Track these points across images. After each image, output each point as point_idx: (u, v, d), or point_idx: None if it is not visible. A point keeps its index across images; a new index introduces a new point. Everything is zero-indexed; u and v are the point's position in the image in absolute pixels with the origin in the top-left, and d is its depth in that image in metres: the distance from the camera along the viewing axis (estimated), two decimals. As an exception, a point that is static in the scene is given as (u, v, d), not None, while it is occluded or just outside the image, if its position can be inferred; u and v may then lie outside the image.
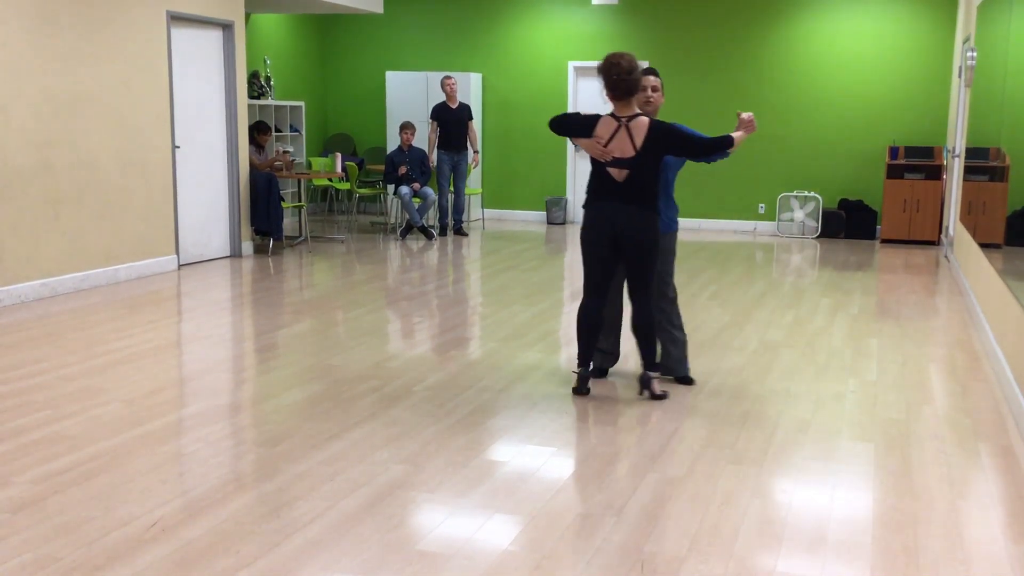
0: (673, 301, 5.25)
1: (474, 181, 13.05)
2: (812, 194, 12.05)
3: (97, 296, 7.57)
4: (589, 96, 13.00)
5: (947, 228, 10.72)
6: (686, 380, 5.29)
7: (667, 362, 5.30)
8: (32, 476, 3.87)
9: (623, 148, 4.74)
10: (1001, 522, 3.54)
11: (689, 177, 12.65)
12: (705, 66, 12.40)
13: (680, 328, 5.28)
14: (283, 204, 10.15)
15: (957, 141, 9.95)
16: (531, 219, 13.33)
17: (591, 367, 5.26)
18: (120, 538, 3.31)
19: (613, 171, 4.78)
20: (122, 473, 3.91)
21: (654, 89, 5.02)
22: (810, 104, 12.10)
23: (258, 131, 10.31)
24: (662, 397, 5.01)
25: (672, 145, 4.73)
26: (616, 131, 4.75)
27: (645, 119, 4.76)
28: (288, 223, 12.30)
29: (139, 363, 5.61)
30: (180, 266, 9.01)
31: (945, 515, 3.59)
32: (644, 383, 5.02)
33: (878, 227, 11.88)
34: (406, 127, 11.23)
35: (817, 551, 3.28)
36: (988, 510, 3.65)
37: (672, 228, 5.22)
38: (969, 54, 8.56)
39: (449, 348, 6.06)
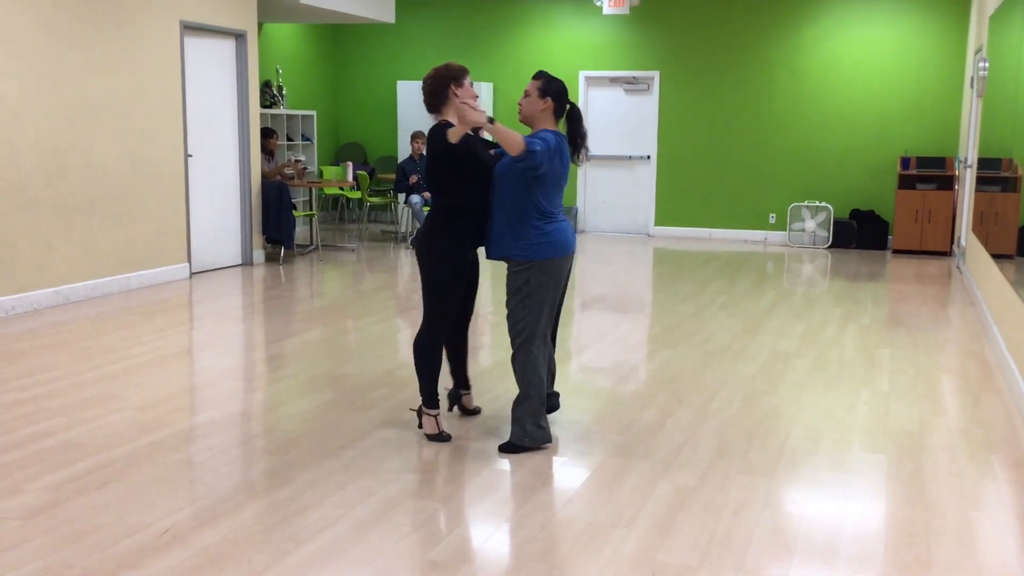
0: (530, 344, 4.29)
1: (485, 190, 13.04)
2: (823, 204, 12.03)
3: (109, 304, 7.60)
4: (601, 105, 13.01)
5: (959, 239, 10.69)
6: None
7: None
8: (44, 483, 3.88)
9: None
10: (1014, 534, 3.52)
11: (700, 186, 12.64)
12: (716, 75, 12.40)
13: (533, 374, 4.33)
14: (294, 213, 10.17)
15: (969, 151, 9.93)
16: (542, 228, 13.31)
17: (451, 397, 4.81)
18: (132, 546, 3.32)
19: None
20: (134, 481, 3.92)
21: (526, 95, 4.29)
22: (821, 114, 12.09)
23: (264, 136, 10.33)
24: (436, 436, 4.48)
25: (430, 149, 4.31)
26: None
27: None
28: (299, 231, 12.33)
29: (151, 371, 5.62)
30: (192, 274, 9.04)
31: (958, 527, 3.57)
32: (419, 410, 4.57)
33: (890, 237, 11.84)
34: (417, 136, 11.26)
35: (829, 562, 3.26)
36: (1001, 522, 3.63)
37: (520, 254, 4.23)
38: (981, 64, 8.54)
39: (460, 357, 6.05)
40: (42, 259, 7.37)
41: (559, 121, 4.34)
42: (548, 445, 4.37)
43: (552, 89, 4.26)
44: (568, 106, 4.33)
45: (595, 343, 6.47)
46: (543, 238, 4.20)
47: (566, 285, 4.42)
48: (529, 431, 4.29)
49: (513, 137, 3.99)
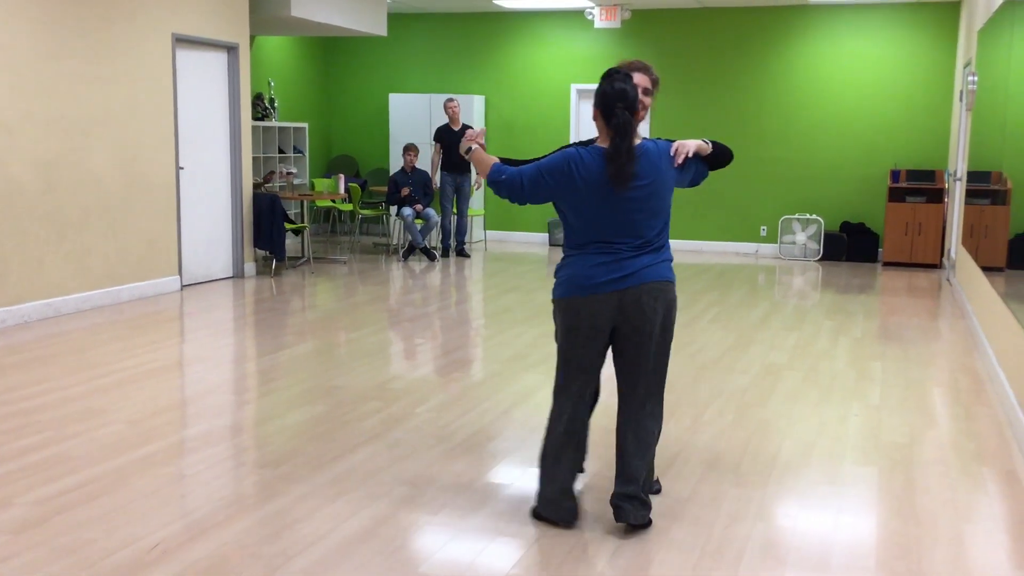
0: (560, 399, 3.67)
1: (476, 203, 13.08)
2: (814, 217, 12.07)
3: (100, 316, 7.57)
4: (591, 119, 13.03)
5: (949, 251, 10.73)
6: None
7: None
8: (34, 497, 3.86)
9: None
10: (1006, 547, 3.53)
11: (691, 199, 12.67)
12: (707, 89, 12.45)
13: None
14: (286, 225, 10.16)
15: (958, 164, 9.98)
16: (533, 240, 13.34)
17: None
18: (122, 560, 3.30)
19: None
20: (124, 494, 3.90)
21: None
22: (812, 127, 12.14)
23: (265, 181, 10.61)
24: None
25: None
26: None
27: None
28: (290, 244, 12.32)
29: (141, 384, 5.60)
30: (183, 287, 9.02)
31: (949, 540, 3.58)
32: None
33: (880, 250, 11.89)
34: (409, 149, 11.27)
35: (821, 575, 3.27)
36: (992, 535, 3.63)
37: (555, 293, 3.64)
38: (970, 78, 8.60)
39: (451, 370, 6.05)
40: (33, 272, 7.35)
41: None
42: (567, 525, 3.62)
43: (600, 95, 3.50)
44: (620, 115, 3.43)
45: (587, 356, 6.47)
46: (561, 272, 3.59)
47: (626, 337, 3.54)
48: (542, 494, 3.65)
49: (484, 163, 3.66)
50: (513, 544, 3.47)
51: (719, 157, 3.71)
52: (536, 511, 3.69)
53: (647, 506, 3.59)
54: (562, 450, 3.62)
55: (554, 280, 3.63)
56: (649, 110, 3.85)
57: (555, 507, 3.63)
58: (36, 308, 7.37)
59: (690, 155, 3.61)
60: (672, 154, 3.57)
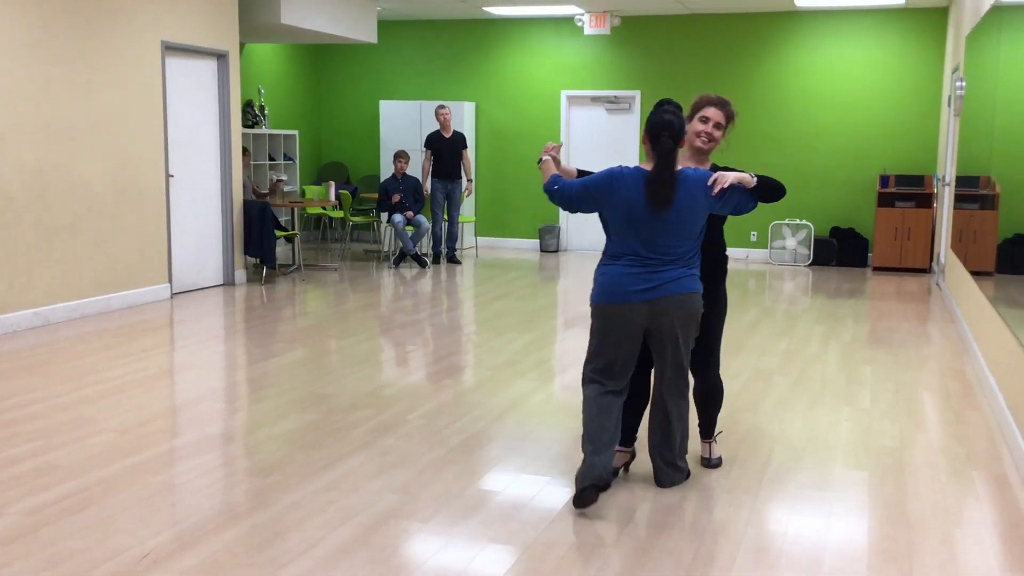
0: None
1: (468, 209, 13.08)
2: (804, 222, 12.11)
3: (90, 325, 7.55)
4: (582, 124, 13.07)
5: (938, 256, 10.77)
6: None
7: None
8: (23, 507, 3.84)
9: None
10: (996, 551, 3.54)
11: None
12: (696, 95, 12.44)
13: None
14: (276, 232, 10.14)
15: (947, 169, 10.02)
16: (524, 247, 13.35)
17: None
18: (112, 569, 3.28)
19: None
20: (114, 503, 3.88)
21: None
22: (802, 133, 12.18)
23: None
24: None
25: None
26: None
27: None
28: (281, 251, 12.30)
29: (131, 392, 5.59)
30: (173, 295, 9.00)
31: (940, 544, 3.59)
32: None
33: (870, 255, 11.93)
34: (400, 155, 11.28)
35: (812, 580, 3.27)
36: (983, 539, 3.64)
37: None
38: (958, 83, 8.64)
39: (443, 376, 6.05)
40: (22, 280, 7.32)
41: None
42: (601, 481, 3.79)
43: (648, 124, 3.92)
44: (665, 143, 3.83)
45: (578, 362, 6.47)
46: (597, 280, 3.95)
47: (654, 338, 3.94)
48: (581, 467, 3.86)
49: (546, 173, 4.10)
50: (505, 551, 3.47)
51: (767, 191, 3.97)
52: (574, 499, 3.83)
53: (681, 471, 4.15)
54: (596, 436, 3.88)
55: (592, 285, 4.00)
56: (721, 142, 4.28)
57: (584, 474, 3.78)
58: (25, 317, 7.35)
59: (726, 186, 3.88)
60: (709, 183, 3.88)
